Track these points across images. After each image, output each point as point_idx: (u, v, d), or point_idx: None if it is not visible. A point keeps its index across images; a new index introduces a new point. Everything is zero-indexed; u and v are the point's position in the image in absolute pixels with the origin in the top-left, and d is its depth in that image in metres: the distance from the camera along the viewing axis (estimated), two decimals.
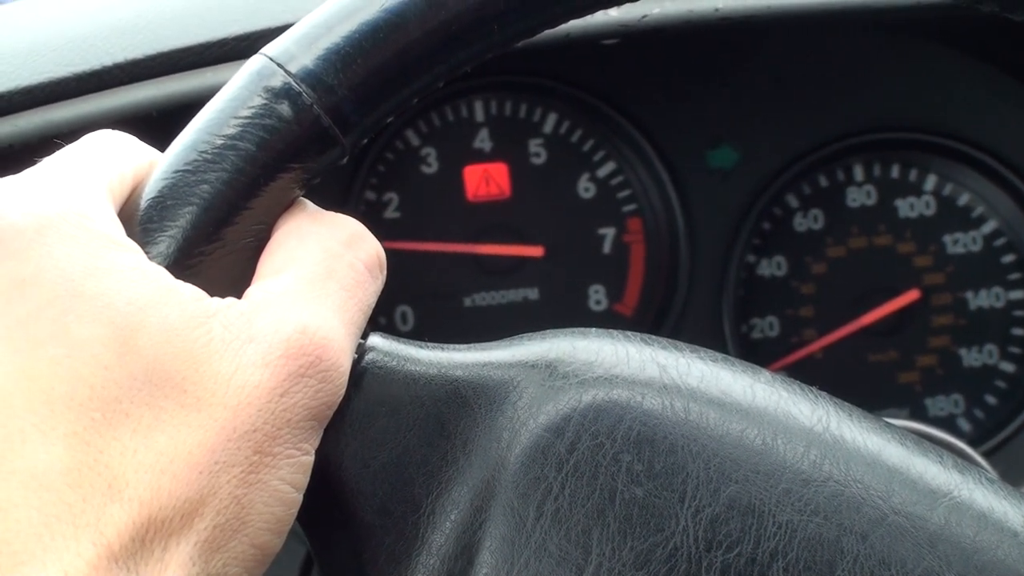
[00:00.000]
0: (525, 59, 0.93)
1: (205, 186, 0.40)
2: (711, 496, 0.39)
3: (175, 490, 0.36)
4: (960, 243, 0.96)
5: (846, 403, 0.43)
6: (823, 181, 0.97)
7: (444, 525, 0.41)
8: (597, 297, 0.96)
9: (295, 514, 0.40)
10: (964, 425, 0.96)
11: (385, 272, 0.43)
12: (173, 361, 0.37)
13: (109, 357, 0.36)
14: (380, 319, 0.94)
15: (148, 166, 0.42)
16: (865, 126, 0.96)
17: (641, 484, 0.40)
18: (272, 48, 0.42)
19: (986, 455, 0.90)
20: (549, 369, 0.42)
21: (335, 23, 0.41)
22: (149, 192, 0.41)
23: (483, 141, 0.96)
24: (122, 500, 0.35)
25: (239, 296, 0.40)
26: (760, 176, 0.96)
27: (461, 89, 0.95)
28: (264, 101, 0.41)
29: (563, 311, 0.96)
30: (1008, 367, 0.97)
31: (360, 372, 0.42)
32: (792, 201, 0.97)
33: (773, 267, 0.97)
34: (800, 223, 0.97)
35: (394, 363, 0.43)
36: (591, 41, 0.84)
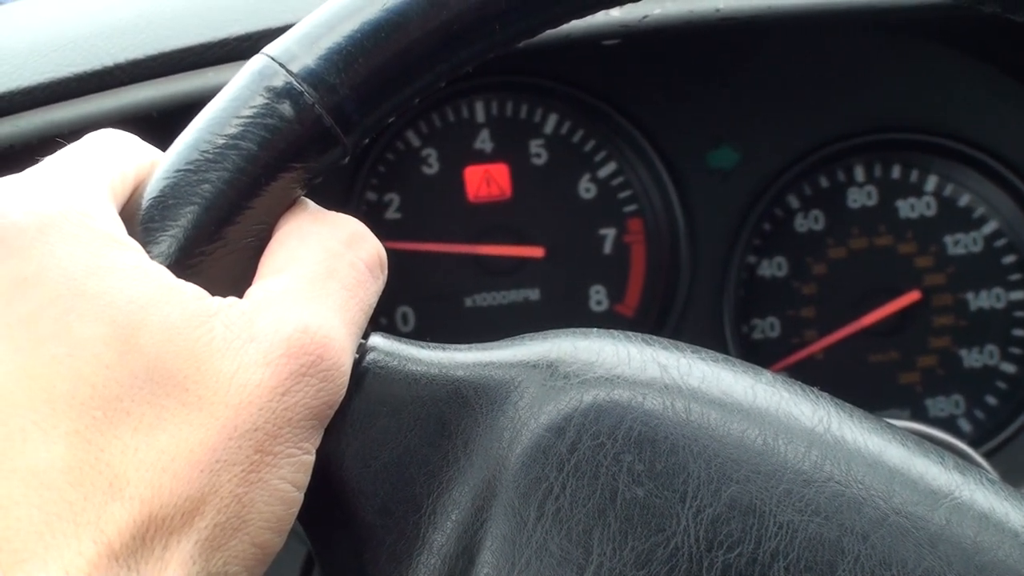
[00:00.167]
0: (526, 59, 0.93)
1: (207, 185, 0.41)
2: (712, 496, 0.39)
3: (176, 488, 0.36)
4: (961, 244, 0.96)
5: (847, 404, 0.43)
6: (824, 182, 0.97)
7: (445, 525, 0.41)
8: (598, 298, 0.96)
9: (296, 513, 0.40)
10: (965, 426, 0.96)
11: (386, 272, 0.43)
12: (174, 360, 0.37)
13: (110, 356, 0.36)
14: (381, 319, 0.94)
15: (150, 165, 0.42)
16: (866, 127, 0.96)
17: (642, 484, 0.40)
18: (274, 48, 0.42)
19: (987, 456, 0.90)
20: (550, 369, 0.42)
21: (337, 23, 0.41)
22: (151, 191, 0.41)
23: (484, 142, 0.96)
24: (123, 498, 0.35)
25: (240, 295, 0.40)
26: (761, 177, 0.96)
27: (462, 90, 0.95)
28: (266, 101, 0.41)
29: (564, 312, 0.96)
30: (1009, 368, 0.96)
31: (361, 372, 0.42)
32: (793, 202, 0.97)
33: (774, 268, 0.97)
34: (801, 224, 0.97)
35: (395, 363, 0.43)
36: (592, 41, 0.84)
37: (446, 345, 0.44)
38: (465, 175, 0.95)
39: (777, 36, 0.94)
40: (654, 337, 0.43)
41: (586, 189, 0.96)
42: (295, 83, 0.41)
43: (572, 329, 0.43)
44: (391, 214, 0.95)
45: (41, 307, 0.36)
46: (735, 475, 0.40)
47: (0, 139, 0.74)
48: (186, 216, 0.40)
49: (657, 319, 0.96)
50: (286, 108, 0.41)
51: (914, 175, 0.97)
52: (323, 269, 0.41)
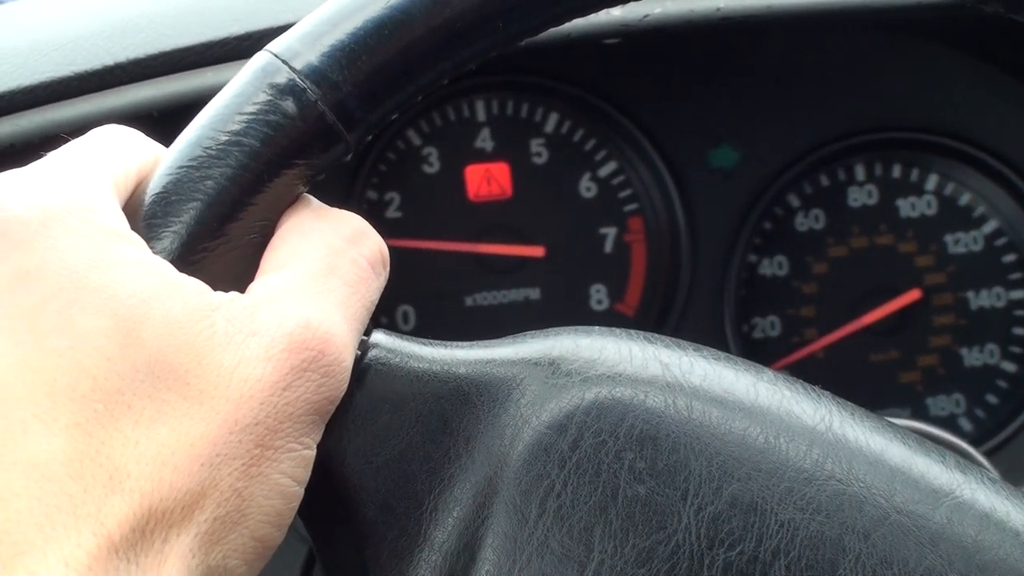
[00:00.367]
0: (527, 59, 0.93)
1: (209, 182, 0.41)
2: (713, 494, 0.39)
3: (176, 482, 0.36)
4: (961, 243, 0.96)
5: (849, 403, 0.43)
6: (824, 181, 0.97)
7: (446, 522, 0.41)
8: (599, 297, 0.96)
9: (296, 508, 0.40)
10: (965, 425, 0.96)
11: (388, 269, 0.44)
12: (176, 353, 0.37)
13: (112, 348, 0.36)
14: (382, 318, 0.94)
15: (153, 161, 0.42)
16: (866, 126, 0.96)
17: (644, 482, 0.40)
18: (277, 45, 0.42)
19: (987, 455, 0.90)
20: (552, 367, 0.42)
21: (340, 20, 0.41)
22: (153, 187, 0.41)
23: (484, 141, 0.96)
24: (123, 491, 0.35)
25: (243, 291, 0.40)
26: (761, 176, 0.96)
27: (462, 89, 0.95)
28: (269, 97, 0.41)
29: (565, 311, 0.96)
30: (1009, 367, 0.97)
31: (363, 368, 0.42)
32: (793, 201, 0.97)
33: (774, 267, 0.97)
34: (801, 223, 0.97)
35: (397, 360, 0.43)
36: (592, 41, 0.84)
37: (448, 342, 0.44)
38: (466, 174, 0.95)
39: (778, 35, 0.94)
40: (656, 335, 0.43)
41: (587, 188, 0.96)
42: (298, 80, 0.41)
43: (574, 327, 0.44)
44: (392, 213, 0.95)
45: (43, 300, 0.37)
46: (736, 473, 0.40)
47: (1, 138, 0.74)
48: (189, 212, 0.40)
49: (658, 318, 0.96)
50: (289, 105, 0.41)
51: (915, 174, 0.97)
52: (325, 265, 0.41)
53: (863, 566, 0.39)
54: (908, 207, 0.97)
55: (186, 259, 0.40)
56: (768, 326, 0.97)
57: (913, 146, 0.97)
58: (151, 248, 0.40)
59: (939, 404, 0.96)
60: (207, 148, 0.41)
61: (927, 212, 0.97)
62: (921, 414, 0.96)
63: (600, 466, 0.40)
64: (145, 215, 0.41)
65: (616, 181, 0.96)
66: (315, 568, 0.86)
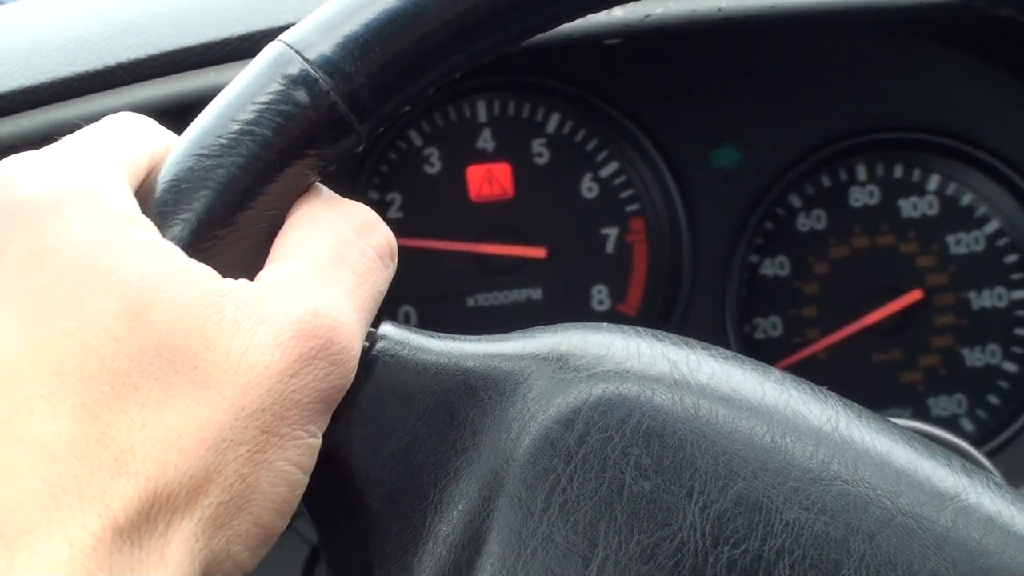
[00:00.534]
0: (528, 59, 0.93)
1: (221, 170, 0.41)
2: (719, 492, 0.40)
3: (182, 465, 0.36)
4: (963, 243, 0.96)
5: (855, 404, 0.43)
6: (826, 181, 0.97)
7: (451, 514, 0.41)
8: (600, 297, 0.96)
9: (300, 496, 0.40)
10: (967, 425, 0.96)
11: (396, 260, 0.44)
12: (184, 337, 0.37)
13: (121, 330, 0.36)
14: (383, 318, 0.94)
15: (164, 149, 0.42)
16: (868, 126, 0.96)
17: (649, 478, 0.40)
18: (290, 35, 0.42)
19: (989, 455, 0.90)
20: (560, 362, 0.42)
21: (354, 11, 0.42)
22: (165, 175, 0.41)
23: (486, 141, 0.96)
24: (129, 474, 0.35)
25: (252, 279, 0.40)
26: (763, 176, 0.96)
27: (464, 89, 0.95)
28: (281, 87, 0.41)
29: (566, 311, 0.96)
30: (1011, 367, 0.96)
31: (371, 359, 0.42)
32: (795, 201, 0.97)
33: (776, 267, 0.97)
34: (803, 223, 0.97)
35: (405, 351, 0.43)
36: (594, 41, 0.84)
37: (456, 336, 0.44)
38: (467, 174, 0.95)
39: (779, 35, 0.94)
40: (664, 333, 0.43)
41: (588, 188, 0.96)
42: (311, 70, 0.41)
43: (582, 323, 0.44)
44: (393, 213, 0.95)
45: (53, 280, 0.37)
46: (742, 472, 0.40)
47: (2, 138, 0.74)
48: (199, 200, 0.41)
49: (659, 318, 0.96)
50: (301, 95, 0.41)
51: (916, 174, 0.97)
52: (334, 255, 0.41)
53: (867, 567, 0.39)
54: (910, 207, 0.97)
55: (196, 246, 0.40)
56: (770, 326, 0.97)
57: (915, 146, 0.97)
58: (162, 234, 0.40)
59: (941, 404, 0.96)
60: (219, 136, 0.41)
61: (929, 212, 0.97)
62: (923, 414, 0.96)
63: (606, 462, 0.40)
64: (156, 202, 0.41)
65: (618, 181, 0.96)
66: (316, 568, 0.86)
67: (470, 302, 0.95)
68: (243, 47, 0.76)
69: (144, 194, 0.41)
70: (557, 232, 0.96)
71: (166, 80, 0.76)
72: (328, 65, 0.41)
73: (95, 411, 0.36)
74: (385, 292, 0.43)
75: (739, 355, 0.43)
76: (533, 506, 0.40)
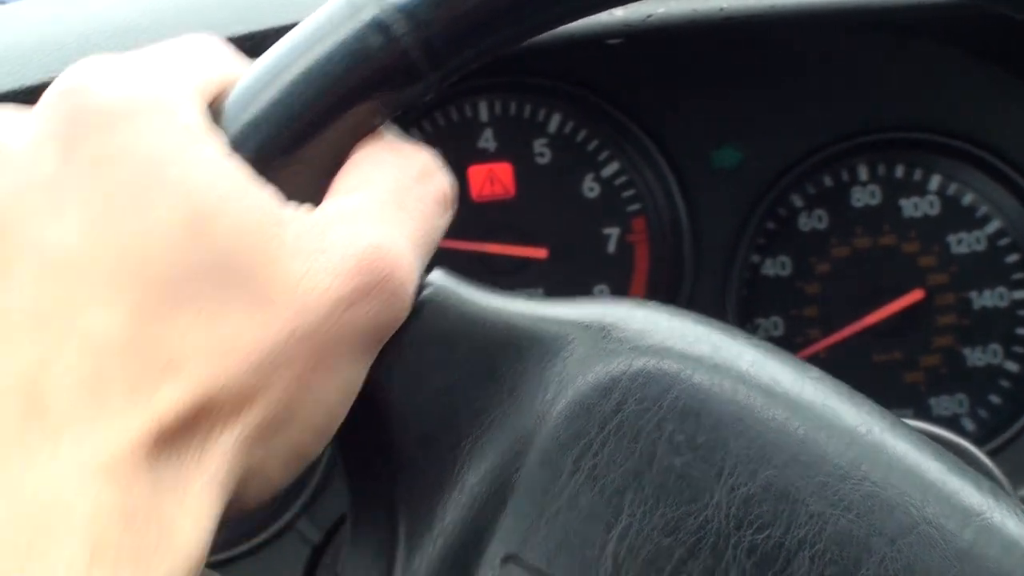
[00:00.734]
0: (529, 59, 0.93)
1: (289, 102, 0.41)
2: (748, 476, 0.40)
3: (230, 378, 0.36)
4: (964, 243, 0.96)
5: (890, 413, 0.43)
6: (827, 181, 0.97)
7: (480, 466, 0.41)
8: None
9: (336, 427, 0.40)
10: (968, 425, 0.96)
11: (453, 210, 0.44)
12: (245, 254, 0.37)
13: (183, 240, 0.36)
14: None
15: (236, 75, 0.42)
16: (869, 126, 0.96)
17: (681, 454, 0.40)
18: None
19: (990, 455, 0.90)
20: (604, 331, 0.42)
21: None
22: (234, 99, 0.41)
23: (487, 141, 0.96)
24: (178, 380, 0.35)
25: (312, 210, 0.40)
26: (764, 176, 0.96)
27: (465, 89, 0.95)
28: (356, 28, 0.41)
29: None
30: (1012, 367, 0.96)
31: (420, 303, 0.43)
32: (796, 201, 0.97)
33: (777, 267, 0.97)
34: (804, 223, 0.97)
35: (454, 300, 0.43)
36: (595, 41, 0.84)
37: (505, 292, 0.44)
38: (469, 174, 0.95)
39: (781, 35, 0.94)
40: (708, 317, 0.44)
41: (590, 188, 0.96)
42: (387, 13, 0.41)
43: (629, 298, 0.44)
44: None
45: (121, 184, 0.37)
46: (774, 459, 0.40)
47: None
48: (266, 128, 0.41)
49: None
50: (375, 37, 0.41)
51: (918, 174, 0.97)
52: (395, 196, 0.41)
53: (886, 569, 0.39)
54: (911, 207, 0.97)
55: (261, 170, 0.40)
56: (771, 326, 0.97)
57: (916, 146, 0.97)
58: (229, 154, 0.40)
59: (942, 404, 0.96)
60: (290, 69, 0.41)
61: (930, 212, 0.97)
62: (924, 414, 0.96)
63: (640, 432, 0.40)
64: (224, 123, 0.41)
65: (619, 181, 0.96)
66: (317, 569, 0.86)
67: None
68: (245, 47, 0.76)
69: (213, 115, 0.41)
70: (558, 232, 0.96)
71: None
72: (405, 10, 0.41)
73: (150, 314, 0.36)
74: (439, 239, 0.43)
75: (780, 349, 0.43)
76: (562, 467, 0.40)
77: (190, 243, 0.36)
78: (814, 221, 0.97)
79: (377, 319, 0.40)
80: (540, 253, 0.96)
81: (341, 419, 0.40)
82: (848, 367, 0.96)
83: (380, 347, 0.41)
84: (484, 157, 0.95)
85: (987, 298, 0.97)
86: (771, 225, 0.97)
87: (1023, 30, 0.87)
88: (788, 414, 0.41)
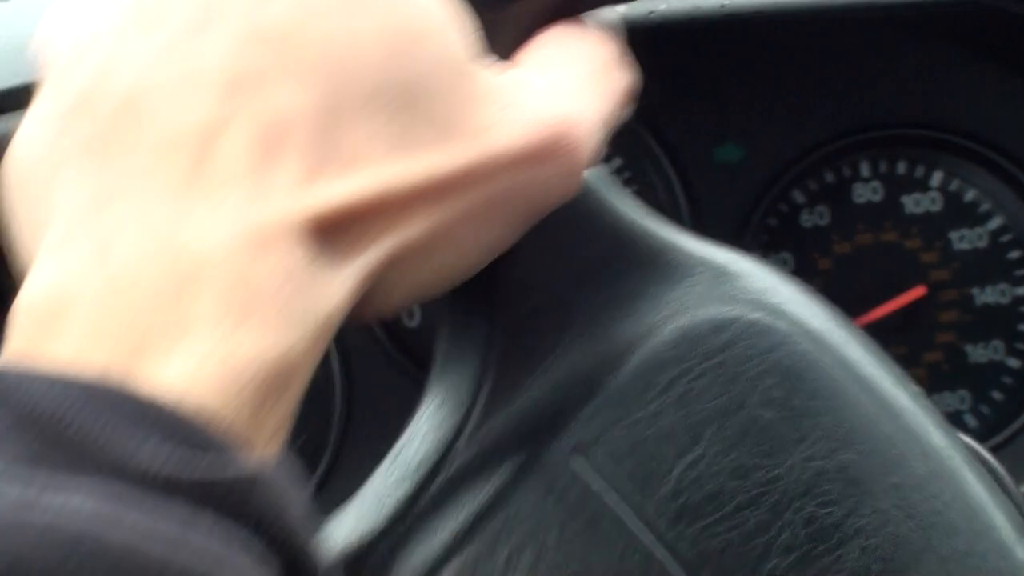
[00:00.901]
0: None
1: None
2: (828, 452, 0.40)
3: (401, 191, 0.36)
4: (966, 239, 0.96)
5: (985, 453, 0.43)
6: (829, 177, 0.97)
7: (577, 358, 0.42)
8: None
9: (466, 276, 0.40)
10: (970, 421, 0.96)
11: (628, 107, 0.44)
12: (443, 84, 0.37)
13: (386, 52, 0.36)
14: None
15: None
16: (871, 122, 0.96)
17: (772, 409, 0.41)
18: None
19: (993, 451, 0.90)
20: (729, 277, 0.43)
21: None
22: None
23: None
24: (351, 175, 0.35)
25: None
26: (766, 172, 0.96)
27: None
28: None
29: None
30: (1014, 363, 0.96)
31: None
32: (798, 197, 0.97)
33: (779, 263, 0.97)
34: (806, 219, 0.97)
35: (603, 197, 0.44)
36: None
37: (648, 212, 0.45)
38: None
39: (782, 31, 0.94)
40: (827, 301, 0.45)
41: None
42: None
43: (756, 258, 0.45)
44: None
45: None
46: (856, 446, 0.40)
47: (5, 134, 0.74)
48: None
49: None
50: None
51: (920, 170, 0.97)
52: (590, 78, 0.41)
53: None
54: (913, 203, 0.97)
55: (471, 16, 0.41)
56: None
57: (918, 143, 0.97)
58: None
59: (944, 400, 0.96)
60: None
61: (932, 209, 0.97)
62: None
63: (739, 376, 0.41)
64: None
65: (622, 177, 0.96)
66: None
67: None
68: None
69: None
70: None
71: None
72: None
73: (342, 107, 0.35)
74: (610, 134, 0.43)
75: (888, 358, 0.44)
76: (656, 383, 0.41)
77: (392, 58, 0.36)
78: (816, 217, 0.97)
79: (548, 187, 0.39)
80: None
81: (474, 271, 0.40)
82: None
83: (538, 218, 0.41)
84: None
85: (989, 294, 0.97)
86: (773, 221, 0.97)
87: None
88: (879, 411, 0.41)
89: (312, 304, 0.34)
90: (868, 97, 0.95)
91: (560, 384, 0.42)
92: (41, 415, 0.29)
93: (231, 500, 0.30)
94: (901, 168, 0.97)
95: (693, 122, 0.95)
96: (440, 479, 0.42)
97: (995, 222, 0.96)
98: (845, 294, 0.96)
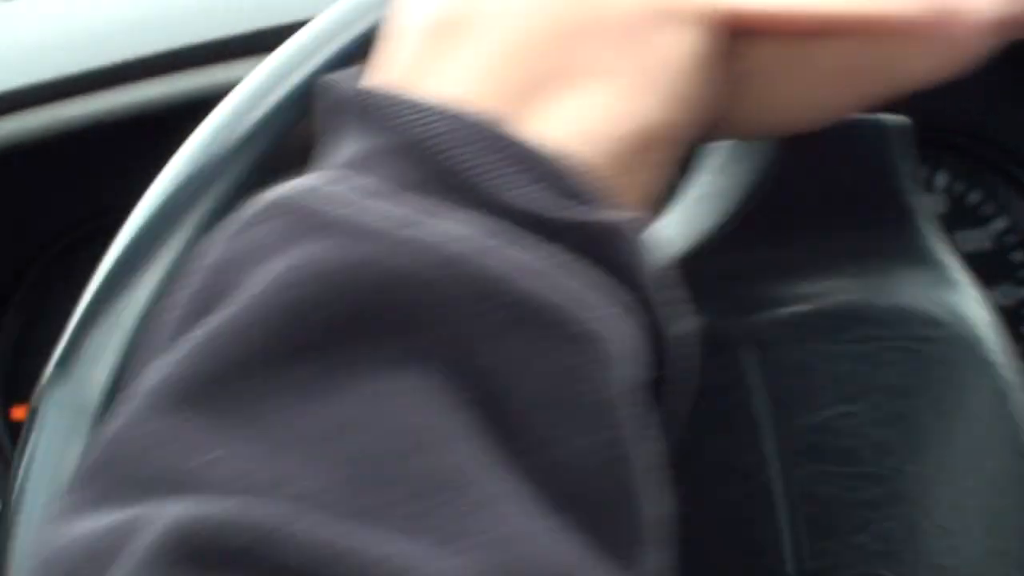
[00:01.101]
0: None
1: None
2: (962, 474, 0.41)
3: (790, 24, 0.36)
4: (971, 241, 0.96)
5: None
6: None
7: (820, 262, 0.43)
8: None
9: (813, 126, 0.40)
10: None
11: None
12: None
13: None
14: None
15: None
16: None
17: (936, 413, 0.41)
18: None
19: None
20: (955, 287, 0.45)
21: None
22: None
23: None
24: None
25: None
26: None
27: None
28: None
29: None
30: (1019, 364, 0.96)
31: None
32: None
33: None
34: None
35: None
36: None
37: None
38: None
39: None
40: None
41: None
42: None
43: None
44: None
45: None
46: (999, 483, 0.42)
47: (7, 135, 0.74)
48: None
49: None
50: None
51: (924, 172, 0.97)
52: None
53: None
54: None
55: None
56: None
57: (922, 144, 0.96)
58: None
59: None
60: None
61: (936, 210, 0.97)
62: None
63: (929, 372, 0.42)
64: None
65: None
66: None
67: None
68: (252, 44, 0.76)
69: None
70: None
71: (174, 77, 0.76)
72: None
73: None
74: None
75: None
76: (854, 330, 0.41)
77: None
78: None
79: (925, 64, 0.40)
80: None
81: (815, 125, 0.40)
82: None
83: (900, 93, 0.42)
84: None
85: (994, 296, 0.96)
86: None
87: None
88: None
89: (698, 88, 0.34)
90: None
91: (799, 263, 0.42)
92: (422, 144, 0.31)
93: (599, 246, 0.31)
94: None
95: None
96: None
97: (1000, 224, 0.96)
98: None
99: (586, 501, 0.29)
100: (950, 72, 0.40)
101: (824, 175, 0.43)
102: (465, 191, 0.31)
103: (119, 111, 0.74)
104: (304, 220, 0.30)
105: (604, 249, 0.31)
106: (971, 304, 0.43)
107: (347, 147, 0.32)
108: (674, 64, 0.33)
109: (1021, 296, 0.96)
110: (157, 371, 0.29)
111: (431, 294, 0.28)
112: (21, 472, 0.41)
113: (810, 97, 0.38)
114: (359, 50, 0.41)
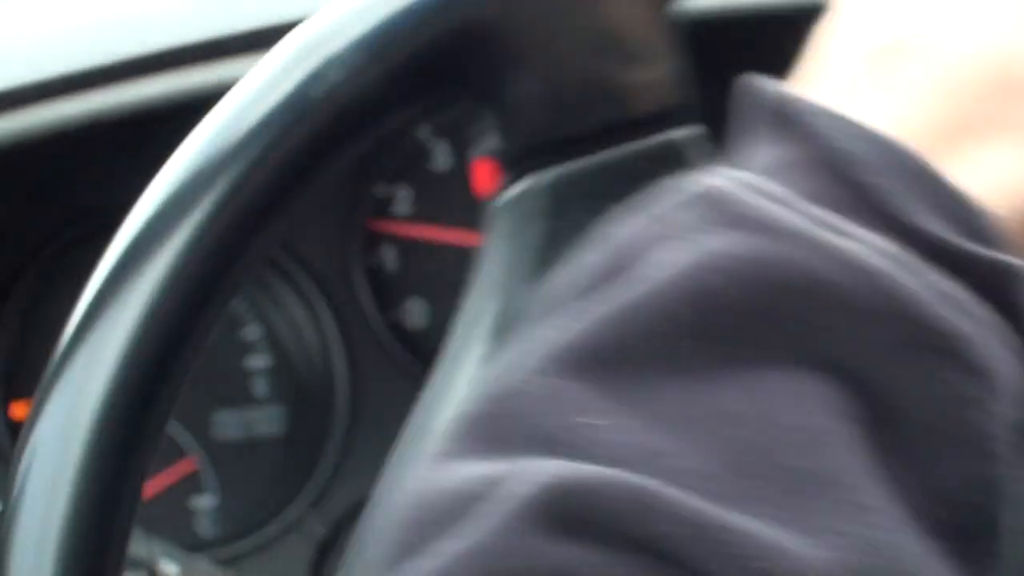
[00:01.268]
0: None
1: None
2: None
3: None
4: None
5: None
6: None
7: None
8: None
9: None
10: None
11: None
12: None
13: None
14: (391, 311, 0.94)
15: None
16: None
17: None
18: None
19: None
20: None
21: None
22: None
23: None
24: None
25: None
26: None
27: None
28: None
29: None
30: None
31: None
32: None
33: None
34: None
35: None
36: None
37: None
38: (474, 168, 0.95)
39: (783, 31, 0.94)
40: None
41: None
42: None
43: None
44: (402, 206, 0.94)
45: None
46: None
47: (6, 133, 0.74)
48: None
49: None
50: None
51: None
52: None
53: None
54: None
55: None
56: None
57: None
58: None
59: None
60: None
61: None
62: None
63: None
64: None
65: None
66: (324, 568, 0.86)
67: None
68: (252, 42, 0.76)
69: None
70: None
71: (175, 75, 0.76)
72: None
73: None
74: None
75: None
76: None
77: None
78: None
79: None
80: None
81: None
82: None
83: None
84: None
85: None
86: None
87: None
88: None
89: None
90: None
91: None
92: (845, 160, 0.31)
93: (1001, 287, 0.31)
94: None
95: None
96: None
97: None
98: None
99: (955, 531, 0.29)
100: None
101: None
102: (881, 213, 0.31)
103: (117, 109, 0.74)
104: (724, 211, 0.30)
105: (1005, 291, 0.31)
106: None
107: (764, 151, 0.34)
108: None
109: None
110: (555, 332, 0.30)
111: (842, 302, 0.29)
112: (21, 471, 0.41)
113: None
114: (359, 50, 0.41)
